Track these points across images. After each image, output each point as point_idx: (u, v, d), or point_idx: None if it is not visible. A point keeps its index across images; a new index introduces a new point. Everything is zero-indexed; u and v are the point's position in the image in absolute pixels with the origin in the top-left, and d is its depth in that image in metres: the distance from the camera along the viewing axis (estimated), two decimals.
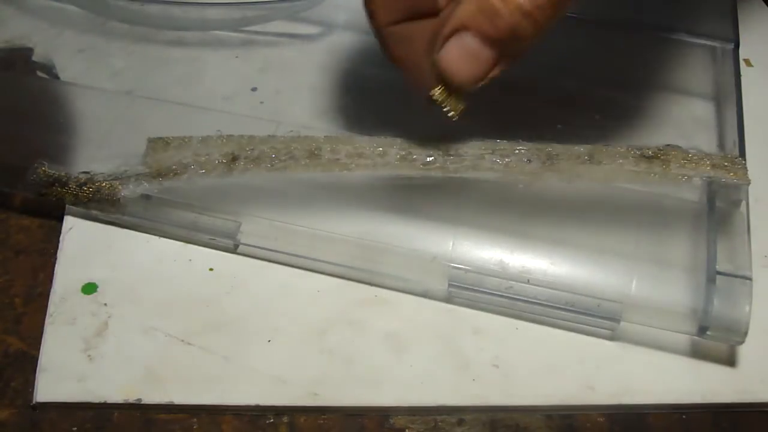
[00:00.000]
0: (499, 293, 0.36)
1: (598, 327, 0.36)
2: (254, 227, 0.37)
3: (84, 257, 0.38)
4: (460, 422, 0.34)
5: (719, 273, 0.34)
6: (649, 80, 0.43)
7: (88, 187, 0.37)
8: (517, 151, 0.37)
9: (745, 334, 0.33)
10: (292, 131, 0.39)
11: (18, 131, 0.40)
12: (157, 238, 0.39)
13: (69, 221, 0.39)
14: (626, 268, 0.35)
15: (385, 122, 0.42)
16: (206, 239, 0.38)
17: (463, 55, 0.31)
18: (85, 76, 0.45)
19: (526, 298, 0.35)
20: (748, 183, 0.36)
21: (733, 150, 0.38)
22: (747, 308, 0.33)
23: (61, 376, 0.35)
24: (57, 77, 0.45)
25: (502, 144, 0.37)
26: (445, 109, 0.34)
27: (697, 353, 0.35)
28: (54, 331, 0.36)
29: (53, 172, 0.38)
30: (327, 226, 0.37)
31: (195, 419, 0.34)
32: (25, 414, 0.34)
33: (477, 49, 0.31)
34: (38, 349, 0.35)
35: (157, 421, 0.34)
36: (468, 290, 0.36)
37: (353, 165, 0.37)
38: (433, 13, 0.33)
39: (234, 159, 0.37)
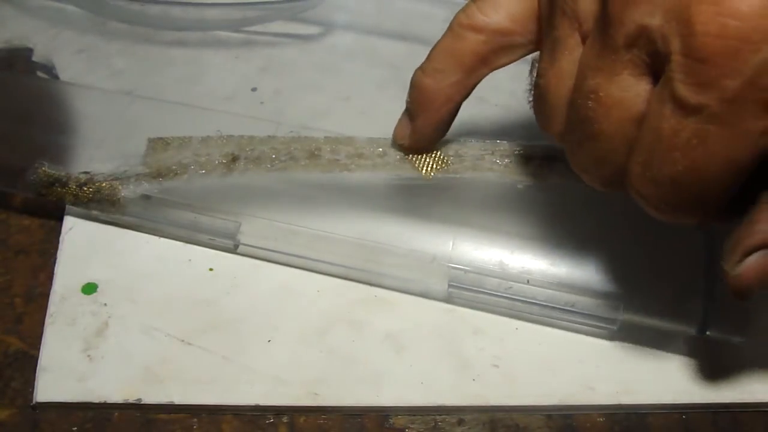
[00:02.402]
0: (499, 293, 0.36)
1: (598, 327, 0.36)
2: (254, 227, 0.37)
3: (84, 257, 0.38)
4: (460, 422, 0.34)
5: (719, 273, 0.34)
6: None
7: (88, 187, 0.37)
8: (517, 151, 0.37)
9: (745, 334, 0.33)
10: (292, 131, 0.39)
11: (18, 131, 0.40)
12: (157, 238, 0.39)
13: (69, 221, 0.39)
14: (626, 268, 0.35)
15: (386, 122, 0.42)
16: (206, 239, 0.38)
17: (761, 268, 0.28)
18: (85, 76, 0.45)
19: (525, 299, 0.35)
20: None
21: None
22: (747, 308, 0.33)
23: (61, 376, 0.35)
24: (57, 77, 0.45)
25: (502, 144, 0.37)
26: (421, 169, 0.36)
27: (697, 353, 0.35)
28: (54, 331, 0.36)
29: (53, 172, 0.38)
30: (327, 226, 0.37)
31: (195, 419, 0.34)
32: (25, 414, 0.34)
33: None
34: (38, 349, 0.35)
35: (157, 421, 0.34)
36: (468, 290, 0.36)
37: (353, 165, 0.37)
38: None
39: (234, 159, 0.37)
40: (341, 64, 0.45)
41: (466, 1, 0.32)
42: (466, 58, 0.32)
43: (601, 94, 0.27)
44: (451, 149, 0.37)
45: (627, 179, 0.27)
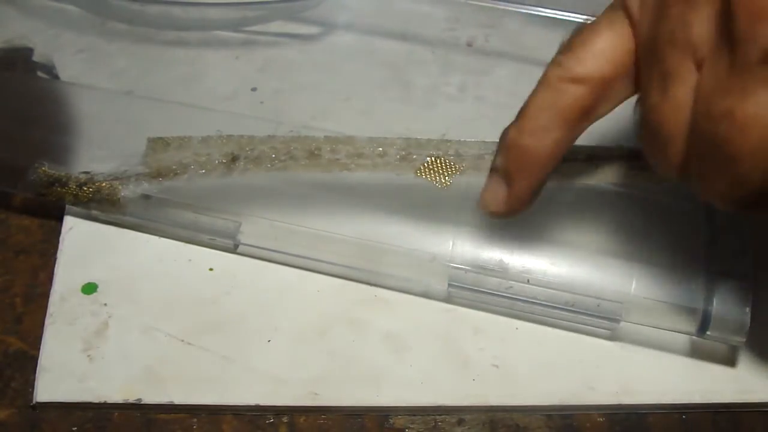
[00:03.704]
0: (499, 293, 0.36)
1: (598, 327, 0.36)
2: (254, 227, 0.37)
3: (84, 257, 0.38)
4: (460, 422, 0.34)
5: (719, 273, 0.34)
6: None
7: (88, 187, 0.37)
8: None
9: (745, 334, 0.33)
10: (292, 131, 0.39)
11: (18, 131, 0.40)
12: (157, 238, 0.39)
13: (69, 221, 0.39)
14: (626, 268, 0.35)
15: (385, 122, 0.42)
16: (206, 239, 0.38)
17: None
18: (85, 76, 0.45)
19: (526, 298, 0.35)
20: None
21: None
22: (747, 308, 0.33)
23: (61, 376, 0.35)
24: (57, 77, 0.45)
25: None
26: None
27: (697, 353, 0.35)
28: (54, 331, 0.36)
29: (53, 172, 0.38)
30: (327, 226, 0.37)
31: (195, 419, 0.34)
32: (25, 414, 0.34)
33: None
34: (38, 349, 0.35)
35: (157, 421, 0.34)
36: (468, 290, 0.36)
37: (353, 165, 0.37)
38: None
39: (234, 159, 0.37)
40: (341, 64, 0.45)
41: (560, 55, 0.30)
42: (570, 113, 0.30)
43: (736, 114, 0.25)
44: (451, 149, 0.37)
45: None
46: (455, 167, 0.36)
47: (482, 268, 0.36)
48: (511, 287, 0.35)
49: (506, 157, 0.32)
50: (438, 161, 0.36)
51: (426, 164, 0.36)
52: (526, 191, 0.32)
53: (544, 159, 0.31)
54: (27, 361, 0.35)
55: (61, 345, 0.35)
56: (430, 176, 0.36)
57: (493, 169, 0.33)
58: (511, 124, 0.32)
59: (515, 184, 0.32)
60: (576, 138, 0.31)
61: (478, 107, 0.42)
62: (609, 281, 0.35)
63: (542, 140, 0.31)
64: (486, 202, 0.34)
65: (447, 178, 0.36)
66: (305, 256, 0.37)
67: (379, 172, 0.37)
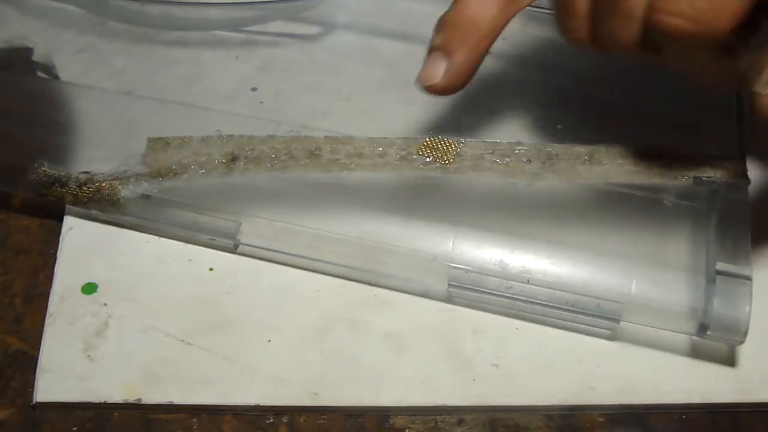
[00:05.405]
0: (499, 293, 0.36)
1: (598, 327, 0.36)
2: (254, 227, 0.37)
3: (84, 257, 0.38)
4: (460, 422, 0.34)
5: (719, 273, 0.34)
6: (648, 80, 0.43)
7: (88, 187, 0.37)
8: (517, 151, 0.37)
9: (745, 334, 0.33)
10: (292, 131, 0.39)
11: (18, 131, 0.40)
12: (157, 238, 0.39)
13: (69, 221, 0.39)
14: (626, 268, 0.35)
15: (386, 122, 0.42)
16: (206, 239, 0.38)
17: None
18: (85, 76, 0.45)
19: (526, 298, 0.35)
20: (749, 183, 0.36)
21: (733, 150, 0.38)
22: (747, 308, 0.33)
23: (61, 376, 0.35)
24: (57, 77, 0.45)
25: (502, 144, 0.37)
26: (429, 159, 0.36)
27: (697, 353, 0.35)
28: (54, 331, 0.36)
29: (53, 172, 0.38)
30: (327, 226, 0.37)
31: (195, 419, 0.34)
32: (25, 414, 0.34)
33: None
34: (38, 349, 0.35)
35: (157, 421, 0.34)
36: (468, 290, 0.36)
37: (353, 165, 0.37)
38: None
39: (234, 159, 0.37)
40: (341, 64, 0.45)
41: None
42: None
43: None
44: (451, 149, 0.37)
45: (655, 18, 0.28)
46: (455, 145, 0.36)
47: (482, 268, 0.36)
48: (511, 287, 0.35)
49: (445, 30, 0.33)
50: (438, 140, 0.36)
51: (426, 143, 0.36)
52: (467, 64, 0.33)
53: (485, 29, 0.32)
54: (27, 361, 0.35)
55: (61, 345, 0.35)
56: (432, 154, 0.36)
57: (432, 49, 0.33)
58: (451, 6, 0.33)
59: (455, 56, 0.33)
60: (516, 12, 0.33)
61: (478, 107, 0.42)
62: (609, 281, 0.35)
63: (484, 11, 0.32)
64: (425, 76, 0.33)
65: (448, 155, 0.36)
66: (305, 256, 0.37)
67: (379, 172, 0.37)
